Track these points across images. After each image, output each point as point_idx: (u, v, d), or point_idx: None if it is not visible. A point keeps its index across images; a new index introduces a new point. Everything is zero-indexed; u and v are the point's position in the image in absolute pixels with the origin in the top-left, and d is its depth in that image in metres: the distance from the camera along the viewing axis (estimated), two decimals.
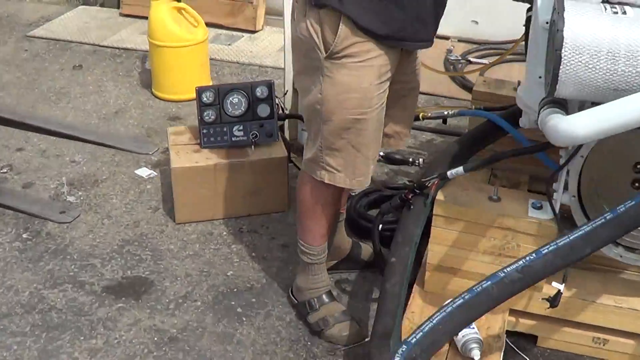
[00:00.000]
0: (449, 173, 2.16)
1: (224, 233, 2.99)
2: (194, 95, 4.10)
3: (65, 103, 4.06)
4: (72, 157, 3.54)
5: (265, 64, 4.59)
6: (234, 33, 5.05)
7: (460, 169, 2.13)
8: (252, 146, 3.02)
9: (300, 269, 2.51)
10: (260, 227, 3.03)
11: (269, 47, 4.84)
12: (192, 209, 3.01)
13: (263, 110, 3.02)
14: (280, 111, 3.15)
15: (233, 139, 3.03)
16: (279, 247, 2.91)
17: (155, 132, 3.79)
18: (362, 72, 2.02)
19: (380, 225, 2.79)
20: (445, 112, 2.72)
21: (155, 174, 3.40)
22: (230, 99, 3.01)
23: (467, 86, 4.10)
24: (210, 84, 4.20)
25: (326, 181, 2.18)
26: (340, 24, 1.96)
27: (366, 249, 2.75)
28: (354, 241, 2.76)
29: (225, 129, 3.02)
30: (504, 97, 2.97)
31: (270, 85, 3.03)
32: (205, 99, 3.00)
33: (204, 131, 3.02)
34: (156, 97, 4.14)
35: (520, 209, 2.27)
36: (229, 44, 4.88)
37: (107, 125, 3.85)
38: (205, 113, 3.01)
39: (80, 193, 3.25)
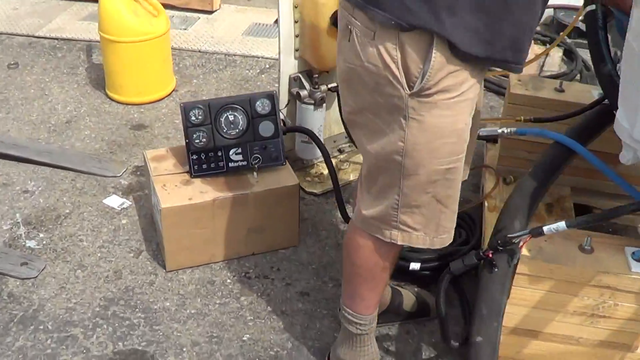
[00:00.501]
0: (545, 229, 1.73)
1: (228, 281, 2.49)
2: (157, 96, 3.56)
3: (4, 113, 3.42)
4: (23, 185, 2.93)
5: (233, 51, 4.03)
6: (188, 14, 4.46)
7: (562, 224, 1.70)
8: (255, 173, 2.50)
9: (343, 337, 2.05)
10: (270, 270, 2.54)
11: (232, 31, 4.26)
12: (186, 253, 2.49)
13: (266, 128, 2.50)
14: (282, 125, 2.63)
15: (230, 164, 2.51)
16: (298, 296, 2.44)
17: (119, 145, 3.21)
18: (457, 110, 1.55)
19: (419, 265, 2.37)
20: (500, 131, 2.26)
21: (129, 202, 2.85)
22: (225, 116, 2.48)
23: (499, 90, 3.66)
24: (173, 81, 3.62)
25: (399, 242, 1.72)
26: (433, 50, 1.47)
27: (408, 297, 2.32)
28: (393, 288, 2.31)
29: (220, 154, 2.49)
30: (546, 101, 2.55)
31: (272, 98, 2.51)
32: (193, 118, 2.46)
33: (194, 157, 2.48)
34: (112, 99, 3.54)
35: (620, 262, 1.88)
36: (185, 28, 4.29)
37: (60, 139, 3.24)
38: (194, 136, 2.46)
39: (41, 235, 2.67)
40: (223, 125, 2.49)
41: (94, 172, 3.01)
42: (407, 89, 1.51)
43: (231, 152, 2.50)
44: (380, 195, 1.69)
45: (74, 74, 3.75)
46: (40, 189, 2.91)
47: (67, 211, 2.80)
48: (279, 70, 2.78)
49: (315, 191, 2.92)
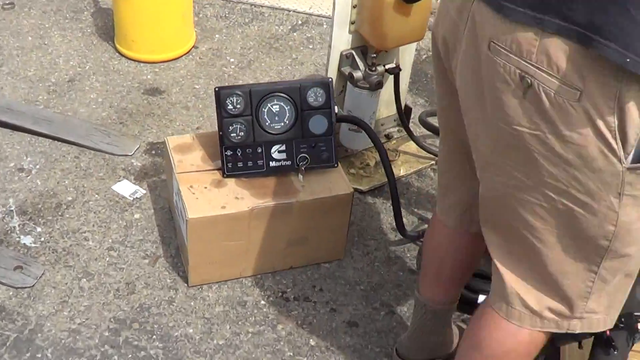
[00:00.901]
0: None
1: (262, 302, 2.09)
2: (174, 54, 3.08)
3: None
4: (17, 161, 2.49)
5: (260, 1, 3.51)
6: None
7: None
8: (301, 175, 2.07)
9: None
10: (311, 290, 2.14)
11: None
12: (213, 266, 2.08)
13: (317, 123, 2.06)
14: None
15: (271, 164, 2.07)
16: (345, 327, 2.05)
17: (130, 114, 2.75)
18: None
19: None
20: None
21: (142, 191, 2.41)
22: (269, 106, 2.03)
23: None
24: (193, 35, 3.13)
25: (577, 331, 1.32)
26: None
27: None
28: (461, 328, 1.92)
29: (259, 151, 2.05)
30: None
31: (328, 87, 2.05)
32: (230, 107, 2.00)
33: (229, 153, 2.04)
34: (122, 55, 3.06)
35: None
36: None
37: (61, 103, 2.78)
38: (230, 128, 2.02)
39: (39, 230, 2.25)
40: (266, 117, 2.04)
41: (101, 148, 2.56)
42: (625, 162, 1.08)
43: (273, 149, 2.06)
44: (562, 282, 1.27)
45: (78, 20, 3.25)
46: (37, 167, 2.47)
47: (70, 198, 2.36)
48: (330, 45, 2.31)
49: (361, 187, 2.49)
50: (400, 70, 2.41)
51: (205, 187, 2.03)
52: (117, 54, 3.07)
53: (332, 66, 2.36)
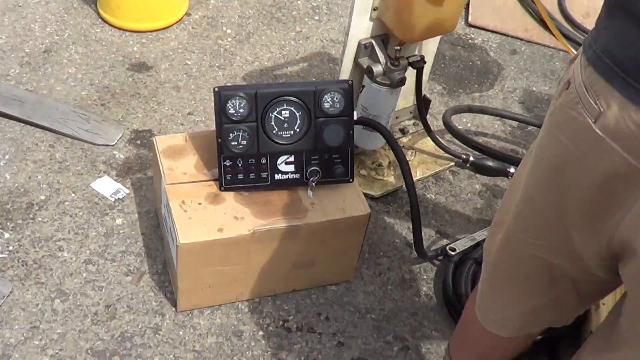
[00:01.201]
0: None
1: (260, 333, 1.83)
2: (164, 22, 2.73)
3: None
4: None
5: None
6: None
7: None
8: (310, 191, 1.79)
9: None
10: (316, 319, 1.89)
11: None
12: (206, 291, 1.82)
13: (333, 134, 1.77)
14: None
15: (277, 176, 1.79)
16: None
17: (113, 94, 2.44)
18: None
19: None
20: None
21: (125, 190, 2.13)
22: (277, 111, 1.73)
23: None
24: (186, 1, 2.80)
25: None
26: None
27: None
28: None
29: (264, 162, 1.77)
30: None
31: (348, 92, 1.75)
32: (232, 111, 1.71)
33: (227, 164, 1.76)
34: (105, 22, 2.72)
35: None
36: None
37: (35, 78, 2.46)
38: (231, 136, 1.73)
39: (7, 236, 1.96)
40: (273, 124, 1.74)
41: (80, 136, 2.26)
42: None
43: (280, 160, 1.78)
44: None
45: None
46: (7, 157, 2.17)
47: (42, 197, 2.07)
48: (347, 33, 2.00)
49: (372, 193, 2.22)
50: (424, 63, 2.11)
51: (200, 203, 1.75)
52: (99, 20, 2.73)
53: (347, 56, 2.06)
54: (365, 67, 2.04)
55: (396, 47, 1.99)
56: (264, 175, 1.79)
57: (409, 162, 2.28)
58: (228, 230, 1.70)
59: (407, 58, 2.07)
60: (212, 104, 1.76)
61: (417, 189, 2.16)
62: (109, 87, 2.46)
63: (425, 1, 1.85)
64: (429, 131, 2.33)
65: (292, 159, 1.78)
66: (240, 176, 1.78)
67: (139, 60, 2.60)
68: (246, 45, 2.74)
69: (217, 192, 1.78)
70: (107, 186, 2.13)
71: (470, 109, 2.45)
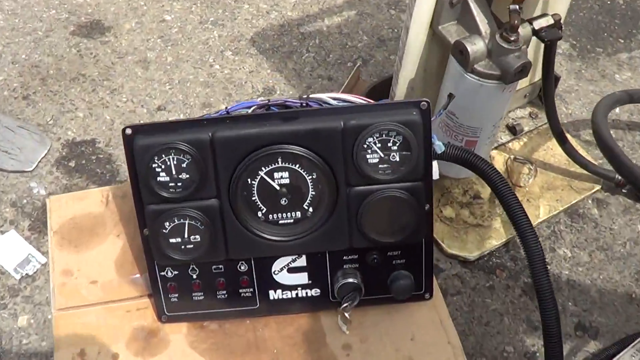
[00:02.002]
0: None
1: None
2: None
3: None
4: None
5: None
6: None
7: None
8: (344, 324, 0.85)
9: None
10: None
11: None
12: None
13: (386, 213, 0.80)
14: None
15: (273, 294, 0.86)
16: None
17: (44, 78, 1.56)
18: None
19: None
20: None
21: (41, 259, 1.24)
22: (262, 177, 0.77)
23: None
24: None
25: None
26: None
27: None
28: None
29: (243, 269, 0.82)
30: None
31: (416, 126, 0.77)
32: (165, 178, 0.76)
33: (169, 275, 0.83)
34: None
35: None
36: None
37: None
38: (168, 225, 0.78)
39: None
40: (256, 198, 0.79)
41: None
42: None
43: (278, 265, 0.84)
44: None
45: None
46: None
47: None
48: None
49: (465, 255, 1.27)
50: (561, 29, 1.11)
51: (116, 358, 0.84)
52: None
53: (417, 20, 1.07)
54: (453, 43, 1.05)
55: (512, 6, 1.00)
56: (246, 292, 0.86)
57: (524, 189, 1.32)
58: None
59: (531, 23, 1.08)
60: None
61: (541, 237, 1.18)
62: (39, 65, 1.56)
63: None
64: (559, 137, 1.34)
65: (301, 261, 0.84)
66: (199, 296, 0.85)
67: (91, 17, 1.66)
68: None
69: (153, 327, 0.87)
70: (12, 251, 1.25)
71: (631, 98, 1.43)
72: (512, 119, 1.48)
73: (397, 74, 1.18)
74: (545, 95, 1.28)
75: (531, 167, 1.41)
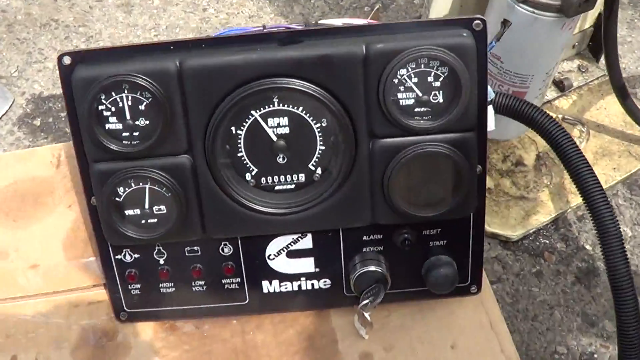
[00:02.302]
0: None
1: None
2: None
3: None
4: None
5: None
6: None
7: None
8: (361, 326, 0.63)
9: None
10: None
11: None
12: None
13: (426, 177, 0.58)
14: None
15: (267, 287, 0.64)
16: None
17: (11, 25, 1.35)
18: None
19: None
20: None
21: None
22: (252, 124, 0.54)
23: None
24: None
25: None
26: None
27: None
28: None
29: (227, 252, 0.60)
30: None
31: (466, 50, 0.55)
32: (116, 126, 0.54)
33: (127, 259, 0.61)
34: None
35: None
36: None
37: None
38: (122, 191, 0.56)
39: None
40: (244, 152, 0.57)
41: None
42: None
43: (271, 247, 0.61)
44: None
45: None
46: None
47: None
48: None
49: (507, 233, 1.06)
50: None
51: None
52: None
53: None
54: None
55: None
56: (231, 283, 0.64)
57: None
58: None
59: None
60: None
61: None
62: (6, 10, 1.38)
63: None
64: (620, 91, 1.12)
65: (306, 242, 0.62)
66: (168, 287, 0.64)
67: None
68: None
69: (109, 327, 0.66)
70: None
71: None
72: (559, 72, 1.25)
73: (427, 9, 0.95)
74: (605, 38, 1.05)
75: (583, 129, 1.18)
